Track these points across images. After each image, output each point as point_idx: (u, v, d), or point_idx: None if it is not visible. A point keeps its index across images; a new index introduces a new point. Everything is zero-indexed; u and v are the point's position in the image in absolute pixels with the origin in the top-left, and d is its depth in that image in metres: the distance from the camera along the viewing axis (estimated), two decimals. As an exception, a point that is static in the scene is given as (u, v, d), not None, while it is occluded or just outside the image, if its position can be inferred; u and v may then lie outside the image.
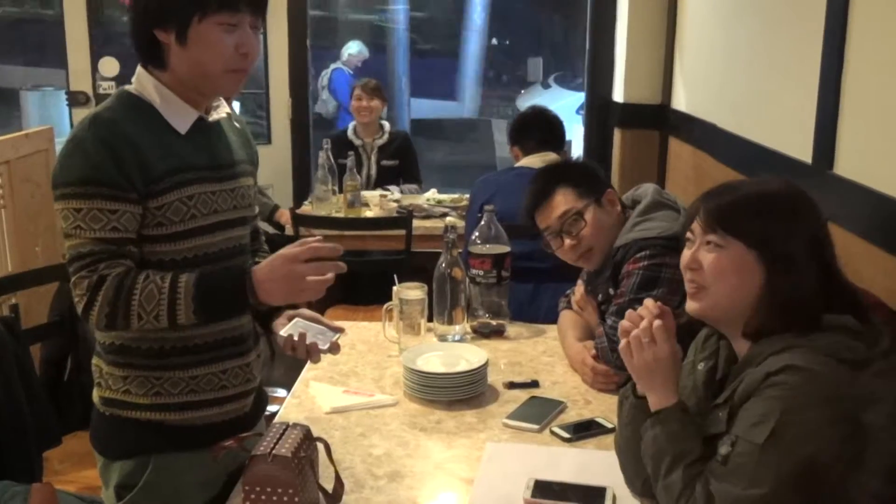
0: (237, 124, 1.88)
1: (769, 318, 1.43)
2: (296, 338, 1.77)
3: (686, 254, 1.53)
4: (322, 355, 1.82)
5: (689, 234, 1.54)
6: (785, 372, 1.35)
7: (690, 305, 1.52)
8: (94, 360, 1.80)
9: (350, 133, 4.77)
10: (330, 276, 1.66)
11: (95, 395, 1.80)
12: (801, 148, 2.51)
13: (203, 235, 1.71)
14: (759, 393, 1.37)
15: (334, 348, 1.82)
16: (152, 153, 1.63)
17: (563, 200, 2.27)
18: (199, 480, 1.76)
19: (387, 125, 4.87)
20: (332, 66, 8.84)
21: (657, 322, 1.52)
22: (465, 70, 12.99)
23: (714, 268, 1.47)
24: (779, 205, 1.48)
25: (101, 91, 4.97)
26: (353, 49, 8.72)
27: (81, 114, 4.79)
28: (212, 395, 1.77)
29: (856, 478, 1.32)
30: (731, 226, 1.46)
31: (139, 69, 1.72)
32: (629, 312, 1.57)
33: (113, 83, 4.94)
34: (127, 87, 1.73)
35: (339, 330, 1.85)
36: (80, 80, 4.94)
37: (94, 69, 4.95)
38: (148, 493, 1.73)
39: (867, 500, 1.32)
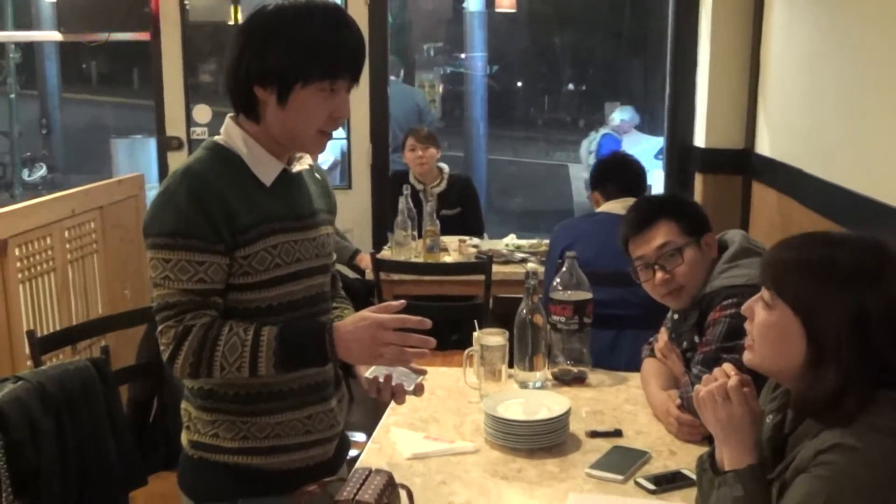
0: (317, 175, 1.91)
1: (810, 395, 1.36)
2: (381, 380, 1.79)
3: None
4: (406, 397, 1.82)
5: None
6: (834, 451, 1.29)
7: (744, 356, 1.50)
8: (184, 405, 1.84)
9: (411, 178, 4.65)
10: (413, 350, 1.68)
11: (184, 438, 1.83)
12: (893, 192, 2.45)
13: (287, 283, 1.74)
14: (809, 470, 1.31)
15: (419, 389, 1.83)
16: (239, 205, 1.68)
17: (665, 232, 2.24)
18: None
19: (446, 168, 4.73)
20: (602, 130, 8.99)
21: (734, 381, 1.48)
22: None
23: (760, 328, 1.44)
24: (840, 276, 1.36)
25: (193, 137, 5.15)
26: (625, 115, 8.87)
27: (175, 157, 5.04)
28: (297, 439, 1.79)
29: None
30: (782, 287, 1.41)
31: (228, 121, 1.77)
32: (715, 370, 1.54)
33: (206, 129, 5.13)
34: (216, 137, 1.78)
35: (422, 372, 1.85)
36: (174, 126, 5.11)
37: (189, 116, 5.13)
38: None
39: None
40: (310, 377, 1.80)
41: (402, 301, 1.74)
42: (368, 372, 1.82)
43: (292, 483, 1.71)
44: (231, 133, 1.75)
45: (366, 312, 1.69)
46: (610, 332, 2.91)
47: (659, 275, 2.24)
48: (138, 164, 9.00)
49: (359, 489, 1.53)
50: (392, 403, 1.93)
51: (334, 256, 1.95)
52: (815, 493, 1.28)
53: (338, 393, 1.90)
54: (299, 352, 1.68)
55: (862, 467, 1.26)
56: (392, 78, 6.52)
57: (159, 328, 1.67)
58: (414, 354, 1.69)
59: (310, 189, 1.85)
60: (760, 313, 1.44)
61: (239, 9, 5.04)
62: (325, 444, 1.84)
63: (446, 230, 4.35)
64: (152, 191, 5.53)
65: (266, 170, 1.74)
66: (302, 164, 1.83)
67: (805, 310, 1.37)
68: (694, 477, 1.83)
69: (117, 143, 10.30)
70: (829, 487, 1.27)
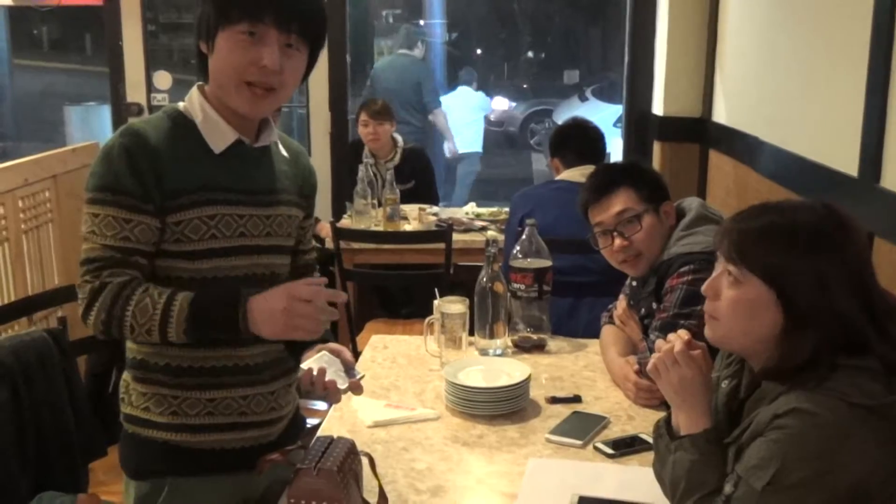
0: (286, 153, 1.84)
1: (782, 363, 1.38)
2: (314, 372, 1.70)
3: (709, 277, 1.48)
4: (342, 396, 1.74)
5: (717, 256, 1.49)
6: (791, 415, 1.30)
7: (706, 331, 1.49)
8: (124, 375, 1.79)
9: (365, 152, 4.58)
10: (324, 318, 1.60)
11: (121, 410, 1.78)
12: (846, 161, 2.49)
13: (226, 257, 1.68)
14: (764, 434, 1.33)
15: (355, 388, 1.75)
16: (175, 168, 1.63)
17: (623, 199, 2.27)
18: None
19: (400, 141, 4.66)
20: None
21: (678, 345, 1.50)
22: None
23: (730, 303, 1.43)
24: (806, 240, 1.38)
25: (154, 103, 5.11)
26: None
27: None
28: (230, 419, 1.73)
29: None
30: (751, 260, 1.40)
31: (194, 88, 1.74)
32: (670, 335, 1.56)
33: (166, 95, 5.10)
34: (178, 103, 1.75)
35: (356, 371, 1.78)
36: (135, 92, 5.05)
37: (149, 82, 5.07)
38: None
39: None
40: (241, 358, 1.72)
41: (323, 279, 1.68)
42: (305, 363, 1.74)
43: (226, 463, 1.70)
44: (193, 98, 1.71)
45: (279, 286, 1.62)
46: (568, 300, 2.95)
47: (617, 241, 2.26)
48: (92, 131, 8.84)
49: (321, 457, 1.53)
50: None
51: (309, 244, 1.91)
52: (771, 455, 1.30)
53: (285, 378, 1.82)
54: (210, 320, 1.60)
55: (816, 431, 1.29)
56: (403, 51, 7.00)
57: (78, 282, 1.62)
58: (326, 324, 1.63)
59: (275, 166, 1.79)
60: (727, 291, 1.43)
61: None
62: (263, 427, 1.77)
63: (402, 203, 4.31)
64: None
65: (217, 137, 1.69)
66: (265, 139, 1.76)
67: (777, 279, 1.37)
68: (651, 441, 1.87)
69: (70, 111, 10.11)
70: (784, 450, 1.29)
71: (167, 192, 1.62)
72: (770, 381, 1.40)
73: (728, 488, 1.36)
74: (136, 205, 1.60)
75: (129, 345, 1.74)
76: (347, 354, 1.79)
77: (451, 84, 9.80)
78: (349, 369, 1.75)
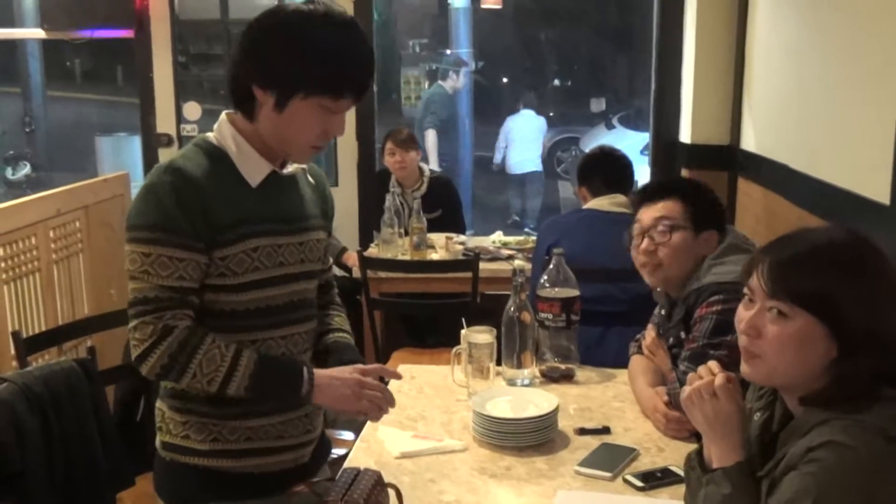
0: (311, 179, 1.87)
1: (833, 392, 1.34)
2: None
3: (743, 314, 1.43)
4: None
5: (747, 290, 1.43)
6: (825, 448, 1.28)
7: (744, 369, 1.44)
8: (158, 404, 1.81)
9: (392, 181, 4.57)
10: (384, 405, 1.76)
11: (158, 439, 1.81)
12: (878, 188, 2.46)
13: (266, 288, 1.71)
14: (798, 468, 1.30)
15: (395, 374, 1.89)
16: (220, 204, 1.65)
17: (669, 208, 2.24)
18: None
19: (426, 170, 4.66)
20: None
21: (720, 378, 1.47)
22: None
23: (777, 341, 1.37)
24: (850, 262, 1.35)
25: (184, 133, 5.16)
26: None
27: (166, 153, 5.03)
28: (269, 443, 1.76)
29: None
30: (797, 292, 1.35)
31: (223, 117, 1.74)
32: (700, 367, 1.53)
33: (196, 126, 5.13)
34: (208, 134, 1.75)
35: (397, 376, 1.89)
36: (164, 122, 5.11)
37: (179, 112, 5.14)
38: None
39: None
40: None
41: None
42: None
43: (264, 487, 1.72)
44: (223, 130, 1.72)
45: (341, 367, 1.75)
46: (597, 329, 2.92)
47: (645, 242, 2.24)
48: (123, 161, 8.96)
49: (347, 489, 1.53)
50: None
51: (329, 262, 1.93)
52: (805, 489, 1.28)
53: None
54: (273, 384, 1.68)
55: (852, 465, 1.26)
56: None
57: (133, 322, 1.63)
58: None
59: (302, 192, 1.82)
60: (772, 328, 1.38)
61: (228, 4, 5.03)
62: (298, 450, 1.82)
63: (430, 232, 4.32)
64: (137, 188, 5.51)
65: (253, 170, 1.71)
66: (294, 166, 1.79)
67: (827, 307, 1.33)
68: (682, 473, 1.84)
69: (102, 141, 10.25)
70: (818, 484, 1.27)
71: (214, 229, 1.64)
72: (813, 407, 1.37)
73: None
74: (187, 243, 1.62)
75: None
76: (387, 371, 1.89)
77: (512, 109, 10.41)
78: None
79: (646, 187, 2.40)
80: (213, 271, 1.66)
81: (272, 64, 1.63)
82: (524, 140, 9.37)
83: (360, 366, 1.78)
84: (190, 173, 1.64)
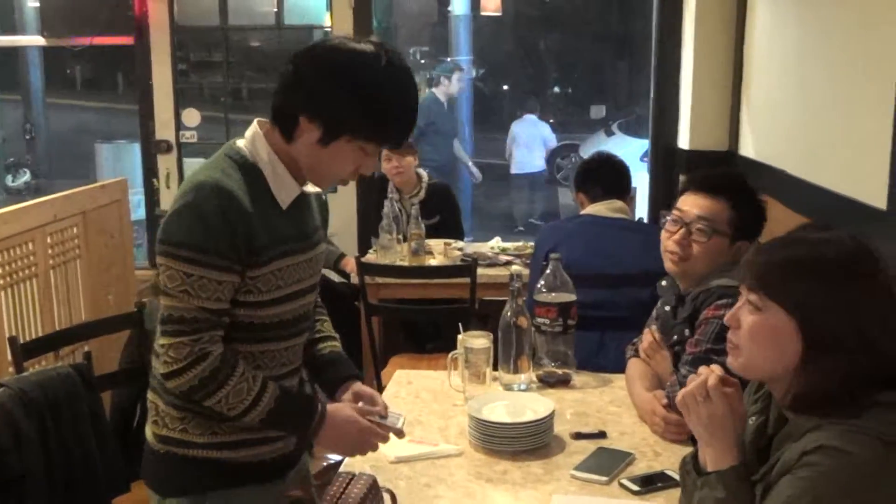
0: (315, 189, 1.89)
1: (805, 392, 1.36)
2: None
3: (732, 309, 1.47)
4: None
5: (740, 286, 1.48)
6: (819, 452, 1.28)
7: (729, 360, 1.48)
8: (150, 396, 1.82)
9: (389, 191, 4.52)
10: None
11: (150, 431, 1.81)
12: (874, 193, 2.46)
13: (282, 304, 1.75)
14: (793, 472, 1.31)
15: (399, 434, 1.87)
16: (259, 227, 1.67)
17: (716, 209, 2.20)
18: None
19: (425, 176, 4.63)
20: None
21: (713, 379, 1.47)
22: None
23: (750, 331, 1.42)
24: (831, 272, 1.36)
25: (183, 140, 5.19)
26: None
27: (164, 160, 5.05)
28: (266, 433, 1.78)
29: None
30: (772, 288, 1.39)
31: (257, 130, 1.73)
32: (701, 368, 1.53)
33: (195, 132, 5.18)
34: (238, 143, 1.74)
35: (400, 415, 1.90)
36: (164, 129, 5.14)
37: (178, 119, 5.16)
38: None
39: None
40: (284, 383, 1.81)
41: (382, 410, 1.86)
42: None
43: (259, 474, 1.76)
44: (258, 146, 1.72)
45: (354, 415, 1.78)
46: (595, 334, 2.91)
47: (680, 234, 2.21)
48: (123, 168, 8.94)
49: (342, 493, 1.52)
50: None
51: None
52: (800, 494, 1.27)
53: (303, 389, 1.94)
54: (287, 420, 1.74)
55: (847, 469, 1.26)
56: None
57: (169, 340, 1.64)
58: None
59: (312, 207, 1.85)
60: (748, 318, 1.42)
61: (228, 11, 5.05)
62: (289, 437, 1.84)
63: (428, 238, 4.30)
64: (137, 196, 5.53)
65: (285, 192, 1.73)
66: (313, 186, 1.82)
67: (798, 308, 1.36)
68: (678, 478, 1.84)
69: (101, 148, 10.25)
70: (813, 488, 1.27)
71: (253, 252, 1.66)
72: (800, 413, 1.37)
73: None
74: (230, 266, 1.64)
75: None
76: (379, 400, 1.89)
77: (513, 115, 10.93)
78: (391, 417, 1.86)
79: (700, 176, 2.32)
80: (240, 289, 1.69)
81: (328, 103, 1.65)
82: (528, 145, 9.88)
83: (364, 407, 1.83)
84: (236, 196, 1.64)
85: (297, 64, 1.67)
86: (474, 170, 8.84)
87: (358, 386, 1.93)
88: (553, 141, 10.31)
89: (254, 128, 1.74)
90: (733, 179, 2.32)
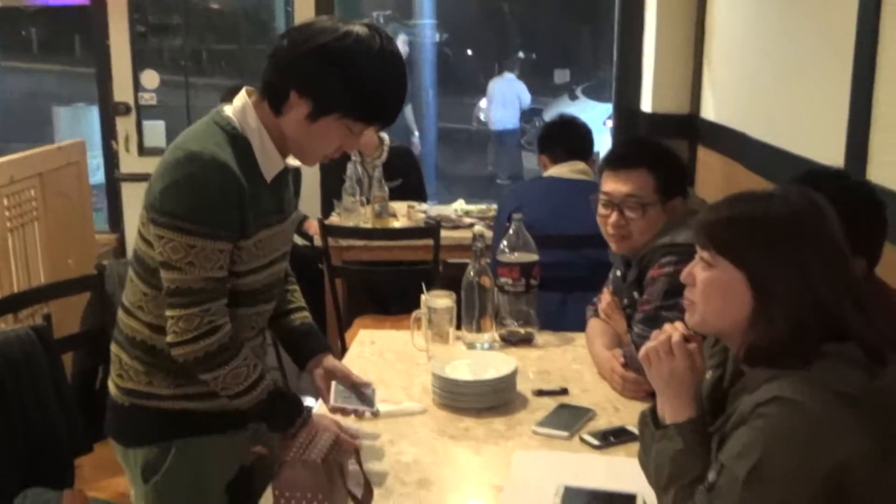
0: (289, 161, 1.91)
1: (758, 347, 1.39)
2: (345, 407, 1.91)
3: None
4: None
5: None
6: (773, 403, 1.30)
7: (686, 318, 1.51)
8: (114, 350, 1.84)
9: (352, 153, 4.42)
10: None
11: (113, 385, 1.84)
12: (832, 155, 2.49)
13: (258, 273, 1.77)
14: (747, 423, 1.33)
15: (375, 415, 1.94)
16: (250, 200, 1.69)
17: (640, 183, 2.22)
18: (220, 463, 1.83)
19: (386, 138, 4.59)
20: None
21: (677, 335, 1.50)
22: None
23: (702, 287, 1.45)
24: (777, 228, 1.39)
25: (142, 102, 5.12)
26: None
27: (123, 122, 4.98)
28: None
29: None
30: (721, 245, 1.42)
31: (246, 100, 1.73)
32: (667, 325, 1.55)
33: (154, 94, 5.13)
34: (227, 111, 1.74)
35: (373, 390, 1.96)
36: (122, 92, 5.06)
37: (136, 81, 5.09)
38: (173, 476, 1.79)
39: None
40: (251, 342, 1.83)
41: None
42: (332, 400, 1.90)
43: (224, 424, 1.79)
44: (248, 117, 1.72)
45: (333, 427, 1.79)
46: (557, 295, 2.94)
47: (615, 216, 2.24)
48: (82, 132, 8.76)
49: (305, 448, 1.53)
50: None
51: None
52: (753, 443, 1.30)
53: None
54: (273, 415, 1.77)
55: (799, 419, 1.28)
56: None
57: (179, 312, 1.66)
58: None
59: (289, 179, 1.87)
60: (701, 274, 1.45)
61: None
62: (255, 389, 1.83)
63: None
64: (96, 159, 5.44)
65: (270, 166, 1.75)
66: (294, 160, 1.82)
67: (746, 263, 1.39)
68: (637, 432, 1.87)
69: (59, 111, 10.07)
70: (766, 438, 1.29)
71: (244, 224, 1.69)
72: (753, 366, 1.40)
73: (711, 476, 1.35)
74: (229, 236, 1.67)
75: (133, 325, 1.78)
76: (354, 377, 1.94)
77: (477, 82, 11.35)
78: (365, 394, 1.92)
79: (614, 154, 2.38)
80: None
81: (320, 82, 1.66)
82: (504, 100, 10.36)
83: (347, 427, 1.86)
84: (233, 171, 1.65)
85: (292, 40, 1.68)
86: (416, 141, 9.14)
87: (330, 361, 1.96)
88: (528, 100, 10.61)
89: (243, 97, 1.74)
90: (645, 147, 2.37)
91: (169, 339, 1.68)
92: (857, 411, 1.29)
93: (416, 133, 9.06)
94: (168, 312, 1.68)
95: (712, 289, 1.43)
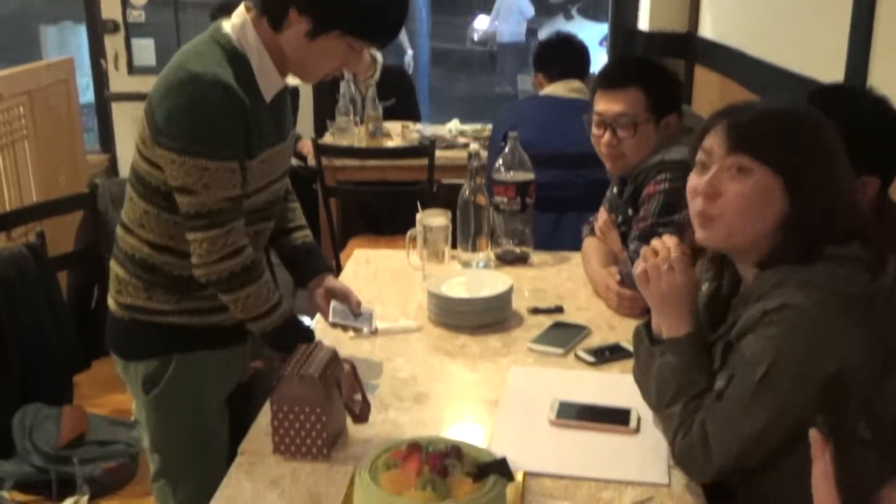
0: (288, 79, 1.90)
1: (784, 246, 1.37)
2: (339, 324, 1.93)
3: (697, 180, 1.42)
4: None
5: (701, 156, 1.43)
6: (782, 310, 1.31)
7: (700, 234, 1.43)
8: (113, 267, 1.84)
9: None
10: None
11: (112, 300, 1.84)
12: (832, 72, 2.46)
13: (259, 193, 1.77)
14: (756, 330, 1.33)
15: (373, 333, 1.97)
16: (253, 121, 1.68)
17: (631, 101, 2.20)
18: (219, 377, 1.86)
19: (379, 57, 4.52)
20: None
21: (677, 251, 1.49)
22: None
23: (738, 198, 1.37)
24: (805, 125, 1.38)
25: (130, 20, 5.04)
26: None
27: (112, 40, 4.89)
28: None
29: (842, 423, 1.27)
30: (760, 148, 1.36)
31: (245, 16, 1.70)
32: (653, 241, 1.55)
33: (142, 11, 5.04)
34: (226, 28, 1.70)
35: (371, 310, 1.98)
36: (110, 9, 4.97)
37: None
38: (173, 389, 1.81)
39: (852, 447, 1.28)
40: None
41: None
42: (331, 317, 1.91)
43: (222, 338, 1.81)
44: (247, 35, 1.69)
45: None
46: (552, 215, 2.94)
47: (608, 136, 2.22)
48: (70, 51, 8.65)
49: (303, 363, 1.54)
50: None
51: None
52: (764, 350, 1.31)
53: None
54: (283, 341, 1.75)
55: (808, 324, 1.30)
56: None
57: (201, 234, 1.67)
58: None
59: (287, 98, 1.85)
60: (733, 185, 1.38)
61: None
62: None
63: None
64: (85, 79, 5.36)
65: (270, 85, 1.73)
66: (295, 79, 1.81)
67: (787, 163, 1.35)
68: (631, 349, 1.89)
69: (47, 31, 9.89)
70: (777, 344, 1.30)
71: (249, 144, 1.68)
72: (767, 270, 1.39)
73: (720, 384, 1.36)
74: (239, 155, 1.66)
75: (133, 242, 1.78)
76: (354, 297, 1.95)
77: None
78: (363, 314, 1.93)
79: (605, 73, 2.34)
80: None
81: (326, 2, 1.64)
82: (510, 14, 11.02)
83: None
84: (236, 92, 1.64)
85: None
86: (409, 59, 9.08)
87: (331, 281, 1.98)
88: (531, 11, 11.09)
89: (242, 14, 1.71)
90: (635, 65, 2.34)
91: (193, 260, 1.69)
92: (861, 316, 1.30)
93: (410, 51, 8.87)
94: (189, 236, 1.68)
95: (749, 199, 1.37)
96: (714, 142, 1.41)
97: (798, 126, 1.38)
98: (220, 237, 1.67)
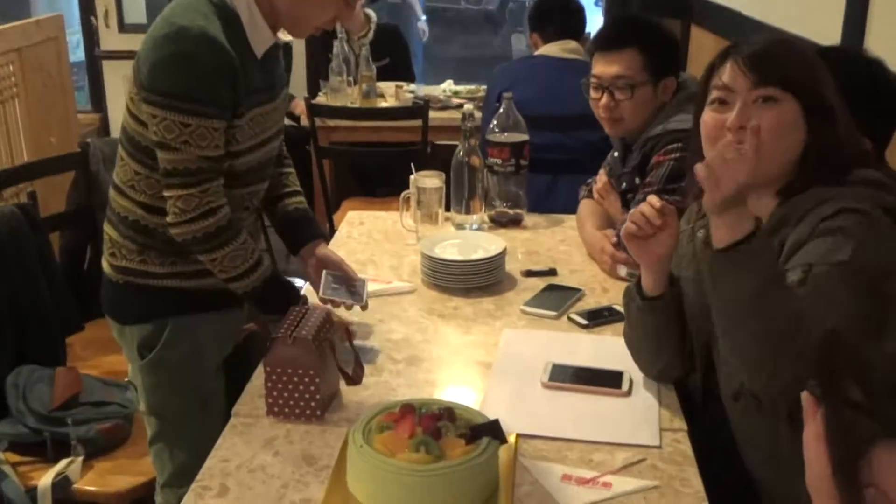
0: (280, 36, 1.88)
1: (810, 172, 1.37)
2: (329, 300, 1.85)
3: (719, 115, 1.39)
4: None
5: (718, 93, 1.40)
6: (842, 214, 1.29)
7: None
8: (107, 229, 1.83)
9: (338, 30, 4.29)
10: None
11: (106, 263, 1.84)
12: (829, 32, 2.44)
13: (252, 152, 1.75)
14: (818, 235, 1.30)
15: (364, 308, 1.89)
16: (242, 77, 1.65)
17: (628, 63, 2.18)
18: (215, 340, 1.85)
19: (373, 16, 4.46)
20: None
21: (657, 202, 1.50)
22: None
23: (774, 128, 1.34)
24: (809, 53, 1.43)
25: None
26: None
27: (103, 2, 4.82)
28: None
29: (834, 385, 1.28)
30: (786, 76, 1.36)
31: None
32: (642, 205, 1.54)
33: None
34: None
35: (363, 282, 1.93)
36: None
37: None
38: (169, 352, 1.81)
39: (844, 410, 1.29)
40: (243, 222, 1.82)
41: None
42: (321, 292, 1.86)
43: (217, 302, 1.80)
44: None
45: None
46: (546, 177, 2.93)
47: (605, 99, 2.21)
48: (59, 7, 8.55)
49: (296, 326, 1.54)
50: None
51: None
52: (843, 240, 1.27)
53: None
54: (268, 302, 1.76)
55: (870, 223, 1.29)
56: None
57: (176, 192, 1.65)
58: None
59: (279, 55, 1.83)
60: (767, 115, 1.34)
61: None
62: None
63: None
64: (75, 36, 5.30)
65: (260, 41, 1.70)
66: (286, 35, 1.79)
67: (807, 89, 1.36)
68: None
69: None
70: (855, 234, 1.27)
71: (237, 101, 1.66)
72: (794, 194, 1.38)
73: (795, 276, 1.29)
74: (221, 114, 1.64)
75: (125, 204, 1.77)
76: (346, 268, 1.92)
77: None
78: (355, 287, 1.89)
79: (601, 35, 2.32)
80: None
81: None
82: None
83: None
84: (224, 46, 1.61)
85: None
86: (424, 25, 8.30)
87: (322, 249, 1.95)
88: None
89: None
90: (632, 26, 2.31)
91: (168, 219, 1.68)
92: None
93: (423, 17, 8.53)
94: (166, 193, 1.67)
95: (783, 127, 1.36)
96: (732, 76, 1.39)
97: (807, 53, 1.43)
98: (194, 197, 1.65)
